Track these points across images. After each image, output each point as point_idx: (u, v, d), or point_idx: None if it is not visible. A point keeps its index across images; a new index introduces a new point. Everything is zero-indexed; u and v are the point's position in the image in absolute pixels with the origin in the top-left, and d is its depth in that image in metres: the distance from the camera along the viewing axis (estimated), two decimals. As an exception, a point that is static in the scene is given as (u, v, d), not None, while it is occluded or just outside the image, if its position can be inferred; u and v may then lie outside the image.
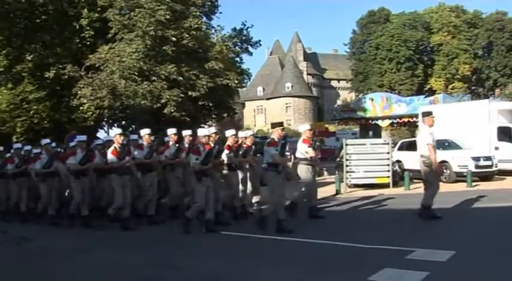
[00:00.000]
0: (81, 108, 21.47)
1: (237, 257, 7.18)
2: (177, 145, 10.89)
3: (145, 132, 11.01)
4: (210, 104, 22.75)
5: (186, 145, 10.54)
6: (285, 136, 9.27)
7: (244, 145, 10.56)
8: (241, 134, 11.19)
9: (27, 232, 9.96)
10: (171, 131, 11.19)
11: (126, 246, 8.38)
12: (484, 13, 67.36)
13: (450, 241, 7.25)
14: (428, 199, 9.22)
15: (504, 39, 63.65)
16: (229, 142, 10.28)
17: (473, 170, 16.03)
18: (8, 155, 12.63)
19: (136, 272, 6.47)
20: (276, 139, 8.89)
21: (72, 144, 11.85)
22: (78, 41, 21.49)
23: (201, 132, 9.78)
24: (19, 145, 12.69)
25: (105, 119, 24.52)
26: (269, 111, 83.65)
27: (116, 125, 25.53)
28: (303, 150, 9.96)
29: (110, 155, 9.98)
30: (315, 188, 10.44)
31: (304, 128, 10.48)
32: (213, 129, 10.03)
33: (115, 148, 10.00)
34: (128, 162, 10.07)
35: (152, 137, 11.22)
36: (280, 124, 9.40)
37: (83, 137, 11.15)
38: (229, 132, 10.55)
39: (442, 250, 6.49)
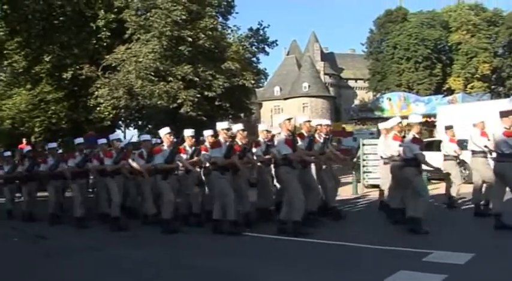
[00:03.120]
0: (98, 108, 21.66)
1: (249, 257, 7.09)
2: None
3: (262, 128, 9.93)
4: (227, 104, 22.78)
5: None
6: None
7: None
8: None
9: (42, 231, 9.98)
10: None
11: (139, 245, 8.36)
12: (504, 11, 66.48)
13: (469, 243, 7.09)
14: None
15: (525, 37, 62.70)
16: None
17: (493, 170, 15.74)
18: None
19: (148, 269, 6.45)
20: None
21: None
22: (95, 41, 21.66)
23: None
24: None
25: (122, 119, 24.69)
26: (286, 112, 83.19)
27: (132, 125, 25.72)
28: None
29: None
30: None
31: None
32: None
33: (237, 142, 8.85)
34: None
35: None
36: None
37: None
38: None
39: (460, 252, 6.34)
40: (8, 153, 12.83)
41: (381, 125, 10.50)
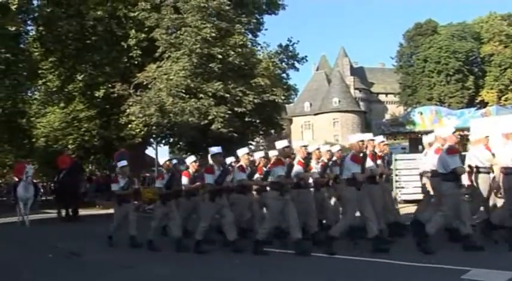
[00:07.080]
0: (129, 125, 21.91)
1: (284, 273, 7.00)
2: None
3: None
4: (257, 120, 22.82)
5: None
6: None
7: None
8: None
9: (76, 248, 10.03)
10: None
11: (172, 261, 8.35)
12: (538, 20, 65.14)
13: (508, 261, 6.85)
14: None
15: (561, 47, 61.34)
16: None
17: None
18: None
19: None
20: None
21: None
22: (126, 60, 21.97)
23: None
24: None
25: (153, 136, 24.92)
26: (317, 127, 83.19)
27: (163, 142, 25.91)
28: None
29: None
30: None
31: None
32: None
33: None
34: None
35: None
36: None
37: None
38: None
39: (500, 271, 6.13)
40: (124, 163, 10.23)
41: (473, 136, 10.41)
